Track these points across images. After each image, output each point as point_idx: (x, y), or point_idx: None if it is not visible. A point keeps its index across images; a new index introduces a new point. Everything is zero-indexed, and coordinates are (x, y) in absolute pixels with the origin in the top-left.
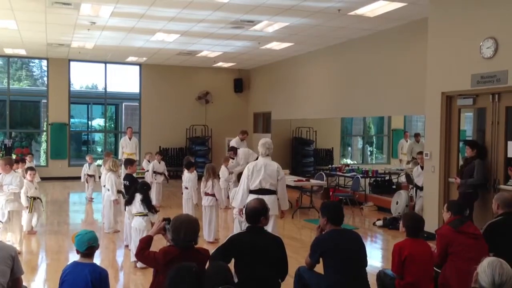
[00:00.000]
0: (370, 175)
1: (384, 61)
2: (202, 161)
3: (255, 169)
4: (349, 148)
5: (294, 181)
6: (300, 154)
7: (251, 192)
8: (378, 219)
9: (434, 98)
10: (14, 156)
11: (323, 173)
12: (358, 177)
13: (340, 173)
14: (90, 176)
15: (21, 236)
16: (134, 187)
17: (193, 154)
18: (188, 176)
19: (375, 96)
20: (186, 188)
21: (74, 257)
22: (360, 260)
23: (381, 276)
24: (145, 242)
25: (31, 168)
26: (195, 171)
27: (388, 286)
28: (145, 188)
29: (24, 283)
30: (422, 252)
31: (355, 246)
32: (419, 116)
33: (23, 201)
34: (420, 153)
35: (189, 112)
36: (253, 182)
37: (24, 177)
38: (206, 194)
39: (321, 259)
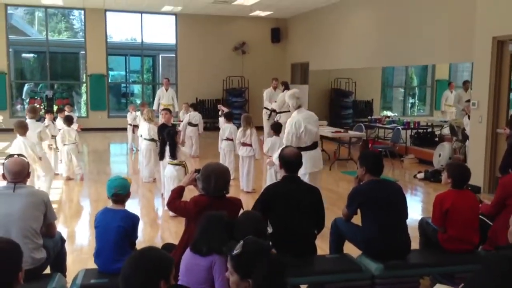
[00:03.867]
0: (412, 126)
1: (429, 5)
2: (239, 112)
3: (298, 126)
4: (390, 100)
5: (332, 132)
6: (338, 105)
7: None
8: (419, 172)
9: (484, 44)
10: (55, 107)
11: (362, 125)
12: (399, 128)
13: (380, 125)
14: (133, 126)
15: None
16: (162, 136)
17: (230, 105)
18: (229, 127)
19: (419, 43)
20: (227, 139)
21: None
22: (400, 212)
23: (423, 224)
24: (177, 193)
25: (69, 118)
26: (232, 122)
27: (430, 236)
28: (170, 134)
29: (63, 229)
30: (467, 204)
31: (395, 198)
32: (465, 65)
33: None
34: (468, 101)
35: (226, 63)
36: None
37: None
38: (244, 144)
39: (358, 211)
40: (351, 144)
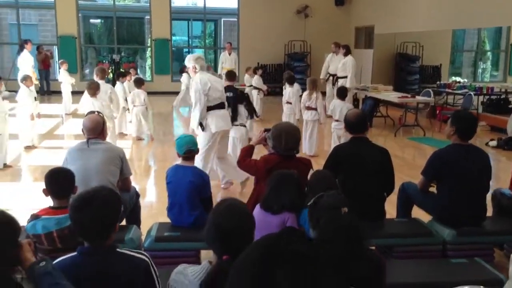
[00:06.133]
0: (484, 92)
1: None
2: (301, 77)
3: (204, 84)
4: (459, 65)
5: (398, 97)
6: (404, 71)
7: None
8: (492, 139)
9: None
10: (122, 70)
11: (430, 90)
12: (470, 94)
13: (450, 90)
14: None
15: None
16: (233, 98)
17: (292, 70)
18: (290, 91)
19: (492, 3)
20: (288, 102)
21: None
22: (481, 182)
23: (497, 195)
24: (247, 151)
25: (139, 80)
26: (297, 85)
27: (505, 207)
28: (245, 96)
29: (134, 186)
30: None
31: (480, 166)
32: None
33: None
34: None
35: (288, 27)
36: None
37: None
38: (308, 108)
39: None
40: (418, 110)
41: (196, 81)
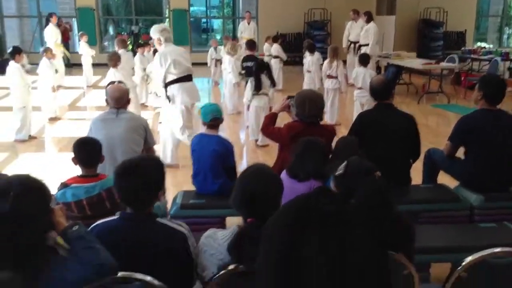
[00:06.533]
0: (511, 58)
1: None
2: (321, 46)
3: (164, 60)
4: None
5: (422, 64)
6: (428, 37)
7: None
8: None
9: None
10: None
11: (455, 56)
12: (496, 60)
13: (475, 56)
14: (216, 60)
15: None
16: (255, 68)
17: (312, 39)
18: (310, 59)
19: None
20: (309, 71)
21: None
22: (510, 147)
23: None
24: (270, 118)
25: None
26: (317, 54)
27: None
28: (266, 65)
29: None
30: None
31: (508, 130)
32: None
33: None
34: None
35: None
36: None
37: None
38: (329, 76)
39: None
40: (443, 77)
41: (159, 53)
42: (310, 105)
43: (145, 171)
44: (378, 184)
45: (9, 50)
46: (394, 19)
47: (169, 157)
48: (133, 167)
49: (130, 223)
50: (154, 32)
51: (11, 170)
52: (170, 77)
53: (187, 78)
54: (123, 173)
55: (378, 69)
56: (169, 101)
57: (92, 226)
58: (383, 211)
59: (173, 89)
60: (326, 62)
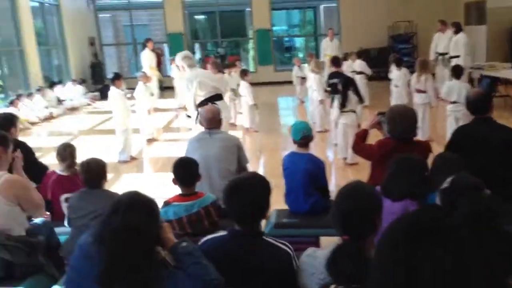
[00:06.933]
0: None
1: None
2: (406, 60)
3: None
4: None
5: None
6: None
7: None
8: None
9: None
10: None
11: None
12: None
13: None
14: (301, 78)
15: None
16: (342, 84)
17: (397, 52)
18: (397, 74)
19: None
20: (396, 86)
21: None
22: None
23: None
24: (361, 135)
25: (245, 71)
26: (404, 69)
27: None
28: (352, 81)
29: None
30: None
31: None
32: None
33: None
34: None
35: (391, 8)
36: None
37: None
38: (418, 90)
39: None
40: None
41: (185, 78)
42: (402, 121)
43: (253, 189)
44: (487, 202)
45: (109, 76)
46: (484, 28)
47: None
48: (242, 185)
49: (238, 240)
50: (178, 60)
51: (116, 190)
52: (199, 99)
53: (215, 97)
54: (232, 191)
55: (470, 81)
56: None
57: (202, 241)
58: (492, 231)
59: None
60: (414, 76)
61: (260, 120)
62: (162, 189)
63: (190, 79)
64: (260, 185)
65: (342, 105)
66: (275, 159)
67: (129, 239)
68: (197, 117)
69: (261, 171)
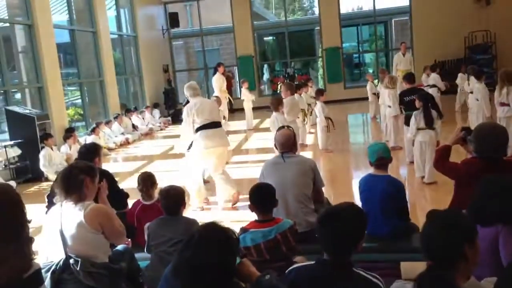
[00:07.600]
0: None
1: None
2: (486, 71)
3: (190, 111)
4: None
5: None
6: None
7: None
8: None
9: None
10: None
11: None
12: None
13: None
14: (374, 94)
15: None
16: (424, 101)
17: (474, 63)
18: (476, 87)
19: None
20: (476, 99)
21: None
22: None
23: None
24: (443, 151)
25: (320, 90)
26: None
27: None
28: (429, 97)
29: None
30: None
31: None
32: None
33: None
34: None
35: (467, 18)
36: None
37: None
38: (502, 104)
39: None
40: None
41: (186, 106)
42: (489, 139)
43: (349, 220)
44: None
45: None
46: None
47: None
48: (336, 215)
49: (327, 270)
50: (184, 90)
51: (192, 215)
52: (196, 126)
53: (210, 125)
54: (325, 220)
55: None
56: (189, 148)
57: (288, 269)
58: None
59: (196, 135)
60: (496, 88)
61: (332, 139)
62: (235, 213)
63: (190, 107)
64: (357, 217)
65: (427, 123)
66: (348, 180)
67: (198, 273)
68: (190, 146)
69: (337, 192)
